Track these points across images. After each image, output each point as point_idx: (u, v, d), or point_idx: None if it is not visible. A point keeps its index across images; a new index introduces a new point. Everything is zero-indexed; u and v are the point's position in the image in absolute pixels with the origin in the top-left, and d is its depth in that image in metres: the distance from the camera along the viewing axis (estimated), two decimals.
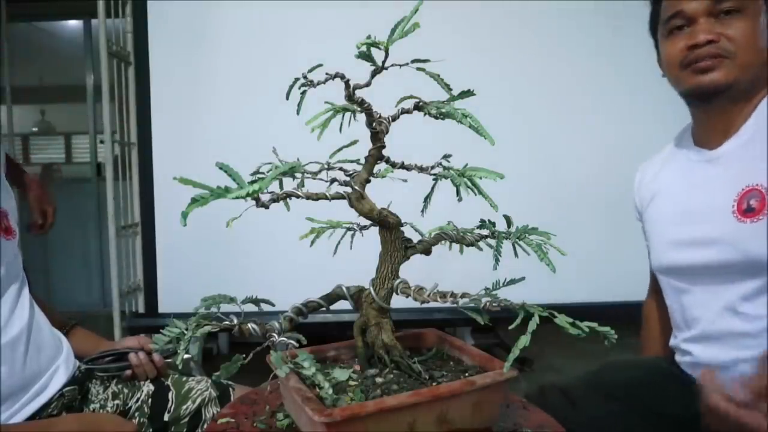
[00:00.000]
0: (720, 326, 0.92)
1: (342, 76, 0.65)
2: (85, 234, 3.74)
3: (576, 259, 1.64)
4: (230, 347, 2.61)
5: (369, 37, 0.58)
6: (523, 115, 1.93)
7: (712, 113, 0.95)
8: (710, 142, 0.95)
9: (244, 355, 0.61)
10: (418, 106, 0.73)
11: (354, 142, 0.80)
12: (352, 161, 0.81)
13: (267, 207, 0.64)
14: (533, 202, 1.83)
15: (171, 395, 1.07)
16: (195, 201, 0.54)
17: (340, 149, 0.80)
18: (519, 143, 1.88)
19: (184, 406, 1.07)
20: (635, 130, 1.28)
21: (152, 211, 1.90)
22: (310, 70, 0.66)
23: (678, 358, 1.03)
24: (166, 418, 1.05)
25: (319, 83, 0.67)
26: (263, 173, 0.73)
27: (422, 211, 0.81)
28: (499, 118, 1.82)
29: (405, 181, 0.84)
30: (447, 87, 0.67)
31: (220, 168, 0.58)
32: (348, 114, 0.75)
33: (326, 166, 0.79)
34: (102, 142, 2.89)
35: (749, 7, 0.88)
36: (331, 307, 0.82)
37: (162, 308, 1.88)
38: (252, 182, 0.64)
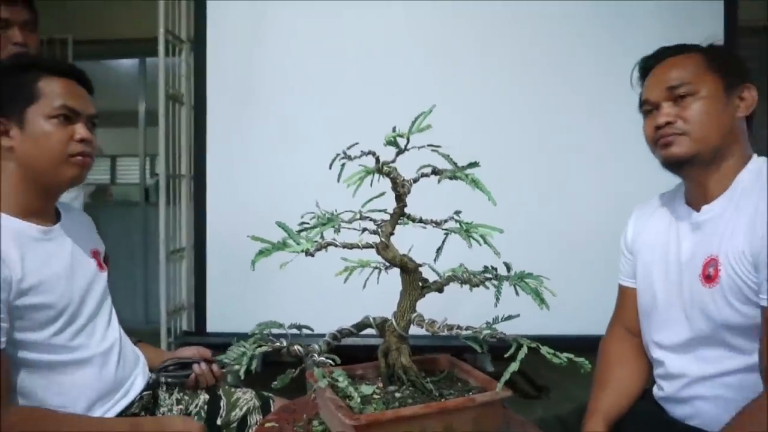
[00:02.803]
0: (681, 368, 1.07)
1: (373, 153, 0.84)
2: (132, 255, 4.01)
3: (578, 293, 1.79)
4: (263, 367, 2.80)
5: (394, 129, 0.77)
6: (530, 157, 2.07)
7: (689, 180, 1.10)
8: (695, 204, 1.09)
9: (294, 370, 0.79)
10: (435, 172, 0.91)
11: (382, 194, 0.97)
12: (380, 210, 0.98)
13: (313, 255, 0.82)
14: (539, 242, 1.97)
15: (222, 403, 1.26)
16: (261, 253, 0.73)
17: (370, 200, 0.97)
18: (525, 176, 2.04)
19: (233, 413, 1.25)
20: (646, 176, 1.40)
21: (204, 237, 2.11)
22: (348, 148, 0.85)
23: (654, 391, 1.16)
24: (218, 422, 1.23)
25: (355, 157, 0.85)
26: (307, 222, 0.92)
27: (435, 260, 0.97)
28: (504, 159, 1.99)
29: (424, 228, 1.01)
30: (454, 163, 0.85)
31: (279, 226, 0.77)
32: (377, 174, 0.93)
33: (358, 216, 0.97)
34: (157, 174, 3.15)
35: (703, 90, 1.03)
36: (360, 334, 0.99)
37: (209, 328, 2.08)
38: (301, 231, 0.82)
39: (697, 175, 1.07)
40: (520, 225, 1.90)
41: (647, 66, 1.13)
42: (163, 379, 1.25)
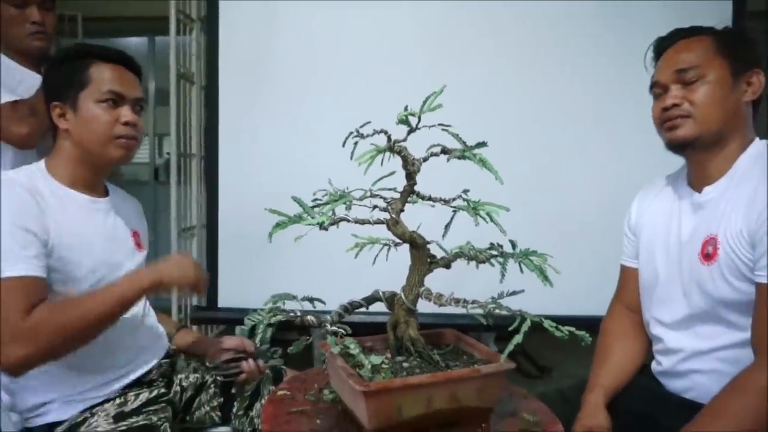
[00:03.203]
0: (679, 343, 1.10)
1: (385, 132, 0.86)
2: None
3: (581, 275, 1.83)
4: (271, 342, 2.86)
5: (406, 108, 0.79)
6: (537, 136, 2.08)
7: (692, 162, 1.13)
8: (696, 185, 1.12)
9: (307, 337, 0.83)
10: (445, 151, 0.94)
11: (392, 173, 1.00)
12: (389, 189, 1.01)
13: (327, 229, 0.85)
14: (542, 225, 1.99)
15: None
16: (278, 225, 0.76)
17: (380, 178, 1.00)
18: (531, 160, 2.06)
19: (247, 383, 1.30)
20: (645, 159, 1.42)
21: (216, 215, 2.15)
22: (361, 126, 0.88)
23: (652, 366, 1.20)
24: (233, 390, 1.28)
25: (367, 136, 0.88)
26: (320, 199, 0.95)
27: (443, 236, 1.01)
28: (514, 146, 2.01)
29: (433, 206, 1.04)
30: (464, 143, 0.88)
31: (295, 201, 0.80)
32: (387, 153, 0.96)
33: (369, 194, 1.00)
34: (168, 153, 3.18)
35: (711, 74, 1.06)
36: (369, 310, 1.03)
37: (221, 303, 2.13)
38: (315, 207, 0.86)
39: (699, 157, 1.09)
40: (524, 208, 1.93)
41: (660, 48, 1.15)
42: (213, 377, 1.31)
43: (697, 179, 1.12)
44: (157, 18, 2.66)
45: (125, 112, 1.17)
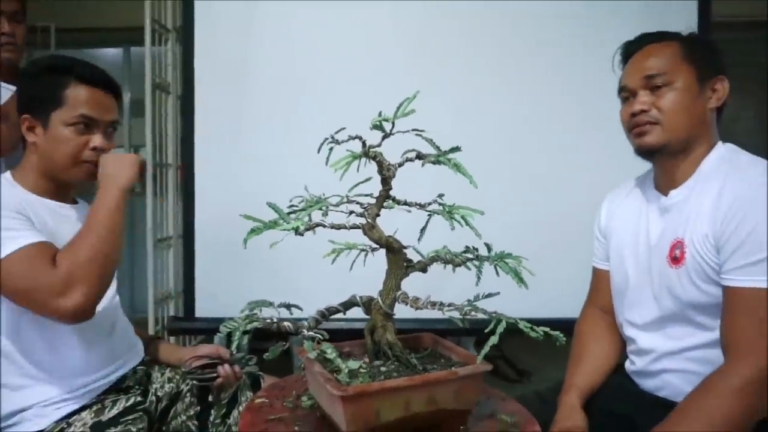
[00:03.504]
0: (651, 344, 1.13)
1: (360, 138, 0.87)
2: None
3: (555, 279, 1.85)
4: (249, 351, 2.84)
5: (380, 114, 0.80)
6: (514, 141, 2.10)
7: (659, 166, 1.16)
8: (663, 189, 1.15)
9: (284, 343, 0.83)
10: (419, 156, 0.95)
11: (368, 179, 1.01)
12: (366, 195, 1.02)
13: (302, 234, 0.86)
14: (519, 229, 2.01)
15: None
16: (253, 231, 0.76)
17: (357, 185, 1.00)
18: (508, 167, 2.08)
19: (224, 391, 1.28)
20: (623, 164, 1.44)
21: (192, 224, 2.13)
22: (336, 132, 0.88)
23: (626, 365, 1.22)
24: (210, 398, 1.27)
25: (342, 142, 0.89)
26: (296, 205, 0.95)
27: (418, 240, 1.02)
28: (490, 149, 2.03)
29: (409, 211, 1.05)
30: (437, 148, 0.89)
31: (270, 206, 0.80)
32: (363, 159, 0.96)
33: (345, 200, 1.00)
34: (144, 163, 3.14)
35: (678, 81, 1.08)
36: (347, 316, 1.03)
37: (198, 313, 2.11)
38: (291, 213, 0.86)
39: (667, 162, 1.12)
40: (501, 213, 1.94)
41: (628, 52, 1.17)
42: (189, 382, 1.30)
43: (664, 183, 1.15)
44: (132, 29, 2.65)
45: (96, 138, 1.17)
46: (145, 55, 2.35)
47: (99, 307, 1.16)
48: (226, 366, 1.20)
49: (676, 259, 1.06)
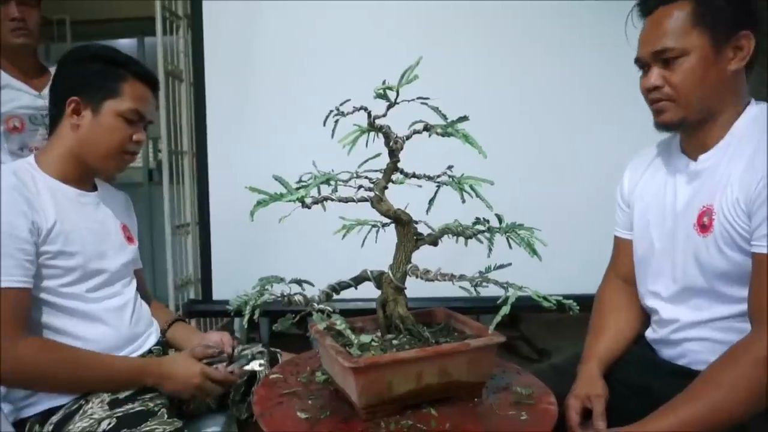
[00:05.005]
0: (674, 314, 1.10)
1: (365, 108, 0.86)
2: (138, 233, 4.05)
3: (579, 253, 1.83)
4: (270, 337, 2.87)
5: (384, 82, 0.79)
6: (526, 117, 2.07)
7: (685, 134, 1.10)
8: (691, 153, 1.09)
9: (294, 315, 0.83)
10: (427, 128, 0.94)
11: (377, 155, 1.00)
12: (375, 171, 1.01)
13: (309, 207, 0.86)
14: (536, 203, 1.99)
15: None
16: (259, 203, 0.76)
17: (366, 161, 1.00)
18: (521, 145, 2.05)
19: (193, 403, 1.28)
20: (637, 139, 1.41)
21: (208, 210, 2.16)
22: (341, 104, 0.87)
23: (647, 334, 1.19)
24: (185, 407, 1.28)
25: (348, 114, 0.88)
26: (305, 181, 0.95)
27: (426, 211, 1.00)
28: (502, 122, 2.01)
29: (420, 186, 1.04)
30: (444, 117, 0.88)
31: (276, 179, 0.80)
32: (372, 133, 0.96)
33: (355, 175, 1.00)
34: (160, 151, 3.18)
35: (690, 51, 1.01)
36: (358, 295, 1.03)
37: (215, 296, 2.15)
38: (298, 188, 0.86)
39: (692, 130, 1.07)
40: (510, 189, 1.91)
41: (641, 13, 1.09)
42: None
43: (692, 147, 1.09)
44: (145, 18, 2.66)
45: (139, 132, 1.22)
46: (157, 43, 2.37)
47: (121, 300, 1.22)
48: (221, 367, 1.19)
49: (704, 227, 1.01)
